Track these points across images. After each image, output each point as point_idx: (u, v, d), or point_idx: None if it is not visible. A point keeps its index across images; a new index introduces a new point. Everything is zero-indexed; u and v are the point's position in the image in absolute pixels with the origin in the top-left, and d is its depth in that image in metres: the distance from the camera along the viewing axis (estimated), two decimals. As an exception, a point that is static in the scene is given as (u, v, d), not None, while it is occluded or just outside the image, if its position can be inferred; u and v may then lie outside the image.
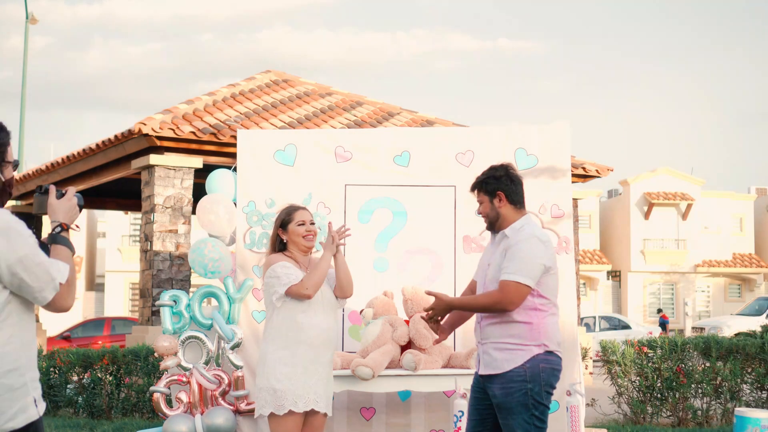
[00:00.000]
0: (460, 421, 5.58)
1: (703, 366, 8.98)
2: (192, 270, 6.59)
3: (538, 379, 4.02)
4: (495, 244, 4.28)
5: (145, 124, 11.34)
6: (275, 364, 4.46)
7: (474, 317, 4.39)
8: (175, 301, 6.44)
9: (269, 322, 4.58)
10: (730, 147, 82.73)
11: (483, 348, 4.16)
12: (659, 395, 8.98)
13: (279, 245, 4.68)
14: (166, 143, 11.55)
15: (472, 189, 4.31)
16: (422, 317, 4.20)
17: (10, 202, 17.54)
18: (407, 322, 5.91)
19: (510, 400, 4.00)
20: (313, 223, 4.71)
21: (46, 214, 3.13)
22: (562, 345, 6.41)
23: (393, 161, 6.64)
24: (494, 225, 4.23)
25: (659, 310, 32.18)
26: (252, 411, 6.31)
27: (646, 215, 36.48)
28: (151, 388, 6.37)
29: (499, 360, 4.05)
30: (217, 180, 6.70)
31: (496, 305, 4.03)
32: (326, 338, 4.57)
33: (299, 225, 4.65)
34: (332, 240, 4.60)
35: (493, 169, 4.25)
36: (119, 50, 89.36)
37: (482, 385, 4.17)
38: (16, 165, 3.14)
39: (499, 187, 4.18)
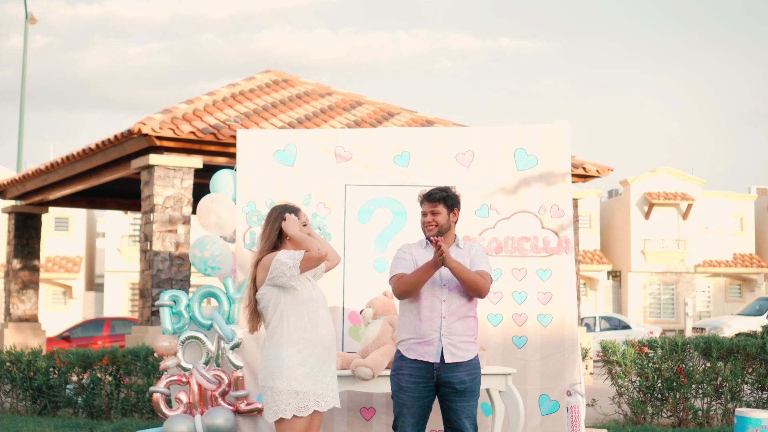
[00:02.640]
0: (460, 421, 5.57)
1: (703, 366, 8.97)
2: (192, 266, 6.58)
3: (480, 365, 4.94)
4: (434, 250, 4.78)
5: (144, 124, 11.33)
6: (295, 367, 4.51)
7: (428, 312, 4.81)
8: (174, 301, 6.44)
9: (279, 325, 4.59)
10: (730, 147, 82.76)
11: (448, 340, 4.77)
12: (660, 395, 8.97)
13: (277, 242, 4.69)
14: (165, 143, 11.54)
15: (430, 199, 4.83)
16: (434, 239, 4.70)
17: (10, 202, 17.53)
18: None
19: (475, 384, 4.81)
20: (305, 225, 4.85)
21: None
22: (563, 345, 6.46)
23: (393, 161, 6.64)
24: (440, 235, 4.83)
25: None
26: (252, 411, 6.30)
27: (647, 215, 36.46)
28: (151, 389, 6.37)
29: (464, 350, 4.79)
30: (221, 180, 6.70)
31: (480, 287, 4.78)
32: (333, 335, 4.74)
33: (303, 225, 4.79)
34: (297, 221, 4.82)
35: (448, 188, 4.90)
36: (119, 50, 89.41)
37: (436, 375, 4.75)
38: None
39: (456, 205, 4.89)
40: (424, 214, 4.85)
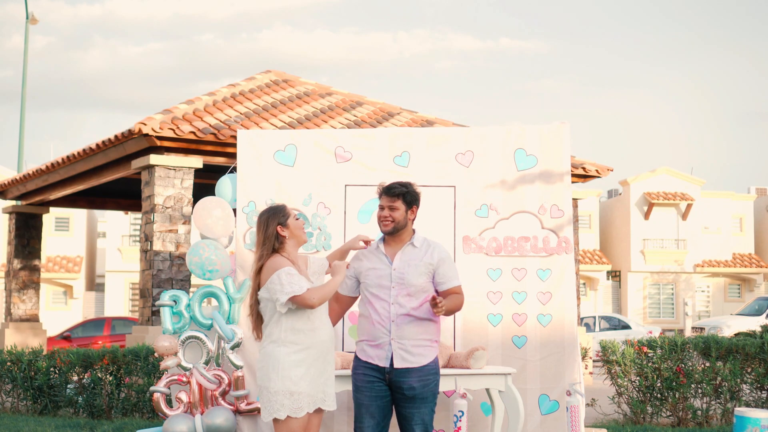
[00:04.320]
0: (460, 421, 5.58)
1: (703, 366, 8.98)
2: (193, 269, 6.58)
3: (439, 371, 4.84)
4: (394, 250, 4.81)
5: (145, 124, 11.34)
6: (291, 367, 4.51)
7: (377, 316, 4.76)
8: (175, 301, 6.45)
9: (277, 326, 4.59)
10: (730, 147, 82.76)
11: (399, 344, 4.67)
12: (659, 395, 8.98)
13: (276, 244, 4.68)
14: (166, 143, 11.55)
15: (389, 194, 4.71)
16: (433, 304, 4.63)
17: (10, 202, 17.54)
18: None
19: (426, 391, 4.66)
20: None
21: None
22: (563, 345, 6.47)
23: (393, 161, 6.64)
24: (396, 231, 4.77)
25: None
26: (252, 411, 6.32)
27: (646, 215, 36.46)
28: (151, 388, 6.38)
29: (416, 355, 4.65)
30: (225, 186, 6.71)
31: (461, 307, 4.78)
32: (332, 337, 4.74)
33: (296, 219, 4.79)
34: (346, 266, 4.78)
35: (409, 184, 4.80)
36: (120, 50, 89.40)
37: (388, 378, 4.67)
38: None
39: (416, 203, 4.78)
40: (381, 207, 4.75)
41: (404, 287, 4.73)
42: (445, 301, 4.61)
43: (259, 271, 4.65)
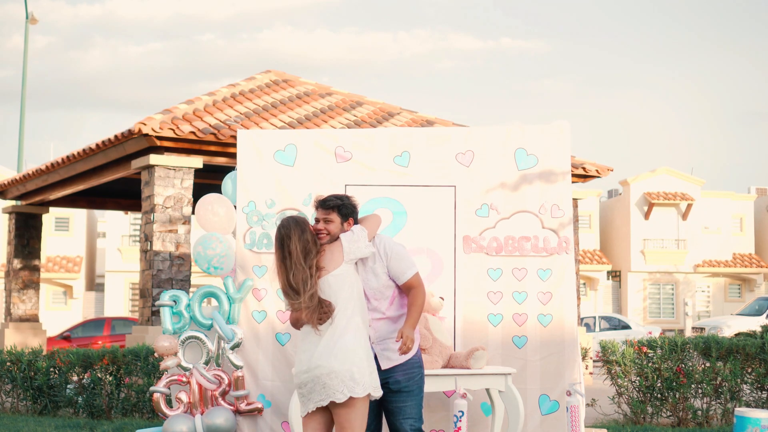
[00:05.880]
0: (460, 421, 5.59)
1: (703, 366, 8.98)
2: (194, 265, 6.58)
3: (423, 365, 4.80)
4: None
5: (145, 124, 11.34)
6: (370, 352, 4.52)
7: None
8: (175, 301, 6.44)
9: (360, 315, 4.54)
10: (730, 147, 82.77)
11: (381, 347, 4.67)
12: (659, 395, 8.98)
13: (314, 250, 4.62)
14: (166, 143, 11.55)
15: (324, 206, 4.64)
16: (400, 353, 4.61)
17: (11, 202, 17.54)
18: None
19: (411, 384, 4.65)
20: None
21: None
22: (563, 345, 6.47)
23: (393, 161, 6.64)
24: (331, 243, 4.67)
25: None
26: (252, 411, 6.31)
27: (646, 215, 36.46)
28: (151, 388, 6.38)
29: (396, 351, 4.59)
30: (231, 183, 6.72)
31: (423, 298, 4.68)
32: None
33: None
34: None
35: (346, 197, 4.74)
36: (120, 50, 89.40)
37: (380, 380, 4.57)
38: None
39: (352, 215, 4.70)
40: (316, 220, 4.67)
41: (372, 293, 4.70)
42: (403, 330, 4.55)
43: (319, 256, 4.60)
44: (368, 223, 4.81)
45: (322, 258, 4.59)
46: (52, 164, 14.30)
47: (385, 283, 4.71)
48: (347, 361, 4.38)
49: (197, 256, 6.43)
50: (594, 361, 15.23)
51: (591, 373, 14.09)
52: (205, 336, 6.39)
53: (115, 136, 11.96)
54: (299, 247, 4.52)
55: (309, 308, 4.45)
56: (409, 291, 4.71)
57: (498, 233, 6.56)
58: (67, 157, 13.58)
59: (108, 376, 9.32)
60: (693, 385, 8.91)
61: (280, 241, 4.56)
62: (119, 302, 33.11)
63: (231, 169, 6.92)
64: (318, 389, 4.39)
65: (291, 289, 4.51)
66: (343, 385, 4.35)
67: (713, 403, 8.97)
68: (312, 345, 4.48)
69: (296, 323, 4.63)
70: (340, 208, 4.66)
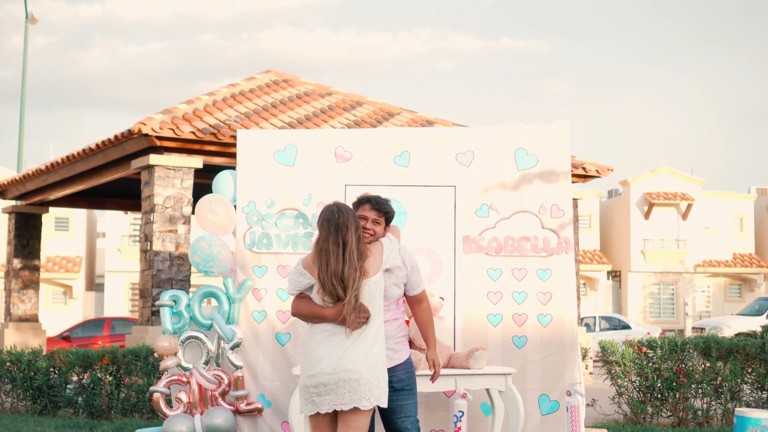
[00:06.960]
0: (460, 421, 5.58)
1: (703, 366, 8.98)
2: (193, 266, 6.58)
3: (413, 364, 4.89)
4: None
5: (145, 124, 11.34)
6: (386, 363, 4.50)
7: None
8: (175, 301, 6.44)
9: (381, 320, 4.43)
10: (730, 147, 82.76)
11: (386, 345, 4.60)
12: (659, 395, 8.97)
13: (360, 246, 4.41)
14: (166, 143, 11.55)
15: (378, 208, 4.61)
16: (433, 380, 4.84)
17: (11, 202, 17.54)
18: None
19: (411, 382, 4.73)
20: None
21: None
22: (563, 345, 6.47)
23: (393, 161, 6.64)
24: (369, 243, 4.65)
25: None
26: (252, 411, 6.31)
27: (646, 215, 36.46)
28: (151, 388, 6.38)
29: (399, 351, 4.69)
30: (223, 181, 6.71)
31: (432, 314, 4.83)
32: None
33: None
34: None
35: (389, 203, 4.71)
36: (120, 50, 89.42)
37: None
38: None
39: (390, 221, 4.71)
40: (364, 218, 4.57)
41: (385, 301, 4.68)
42: (430, 355, 4.74)
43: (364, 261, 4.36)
44: (394, 233, 4.81)
45: (366, 260, 4.35)
46: (51, 164, 14.30)
47: (401, 292, 4.73)
48: (376, 370, 4.31)
49: (193, 256, 6.45)
50: (594, 361, 15.23)
51: (591, 373, 14.08)
52: (205, 336, 6.39)
53: (115, 136, 11.96)
54: (355, 240, 4.26)
55: (352, 309, 4.20)
56: (417, 304, 4.74)
57: (498, 233, 6.56)
58: (67, 157, 13.58)
59: (108, 376, 9.32)
60: (693, 385, 8.90)
61: (335, 225, 4.24)
62: (119, 302, 33.11)
63: (230, 169, 6.92)
64: (341, 392, 4.24)
65: (339, 282, 4.21)
66: (370, 393, 4.26)
67: (713, 403, 8.97)
68: (337, 347, 4.27)
69: (312, 317, 4.36)
70: (388, 214, 4.66)
